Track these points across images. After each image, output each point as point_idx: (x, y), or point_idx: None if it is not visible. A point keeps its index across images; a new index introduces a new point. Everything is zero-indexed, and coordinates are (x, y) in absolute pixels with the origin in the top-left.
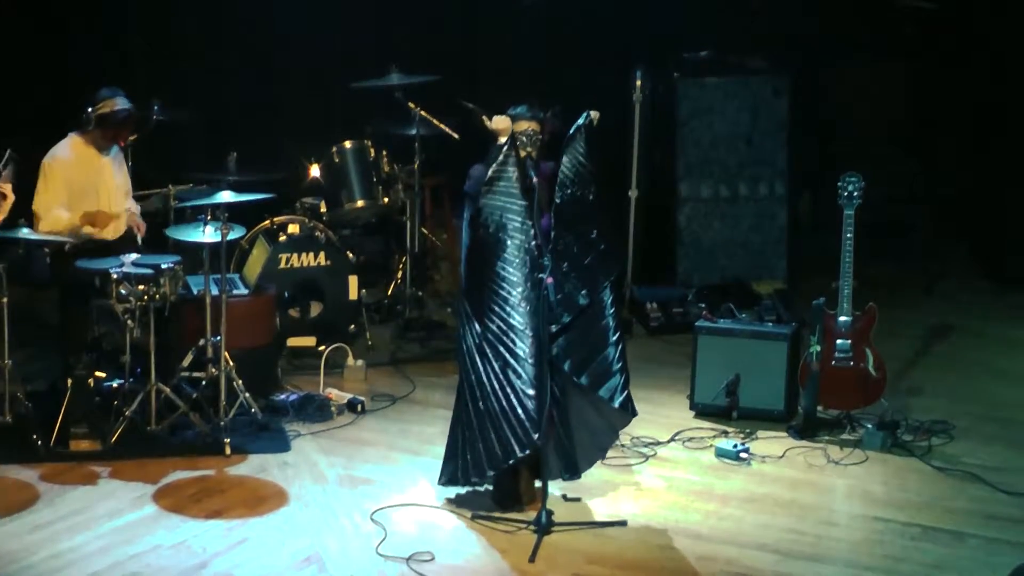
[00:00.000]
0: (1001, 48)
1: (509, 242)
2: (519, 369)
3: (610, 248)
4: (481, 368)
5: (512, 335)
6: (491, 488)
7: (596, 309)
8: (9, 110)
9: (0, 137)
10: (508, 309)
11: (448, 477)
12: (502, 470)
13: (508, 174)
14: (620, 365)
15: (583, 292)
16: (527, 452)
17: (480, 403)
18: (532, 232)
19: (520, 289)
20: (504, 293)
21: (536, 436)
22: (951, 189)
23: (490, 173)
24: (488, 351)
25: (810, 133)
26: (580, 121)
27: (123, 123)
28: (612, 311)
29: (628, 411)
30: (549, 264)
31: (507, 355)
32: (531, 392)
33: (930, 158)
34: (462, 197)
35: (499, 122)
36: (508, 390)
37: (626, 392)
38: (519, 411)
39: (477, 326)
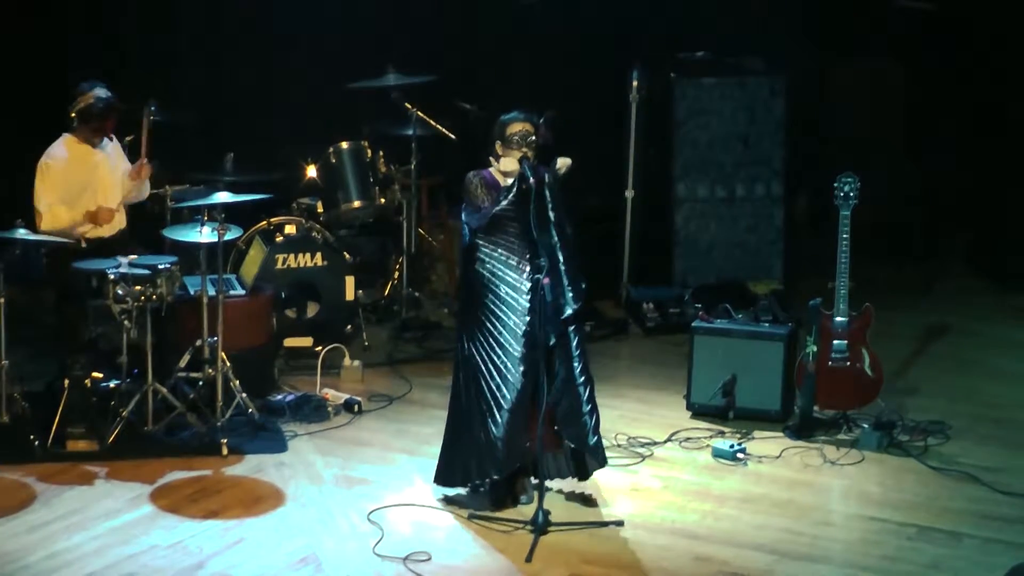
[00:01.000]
0: (1000, 48)
1: (503, 283)
2: (492, 405)
3: (571, 289)
4: (463, 387)
5: (491, 370)
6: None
7: (561, 350)
8: (9, 110)
9: None
10: (492, 343)
11: (435, 474)
12: (467, 487)
13: (510, 215)
14: (589, 408)
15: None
16: (485, 481)
17: (455, 419)
18: (528, 269)
19: (509, 328)
20: (491, 328)
21: (494, 471)
22: (949, 189)
23: (495, 211)
24: (469, 376)
25: (808, 133)
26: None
27: (104, 113)
28: (578, 352)
29: (597, 459)
30: (546, 264)
31: (486, 390)
32: (499, 434)
33: (928, 158)
34: (459, 204)
35: (507, 163)
36: (480, 418)
37: (596, 437)
38: (485, 441)
39: (464, 349)
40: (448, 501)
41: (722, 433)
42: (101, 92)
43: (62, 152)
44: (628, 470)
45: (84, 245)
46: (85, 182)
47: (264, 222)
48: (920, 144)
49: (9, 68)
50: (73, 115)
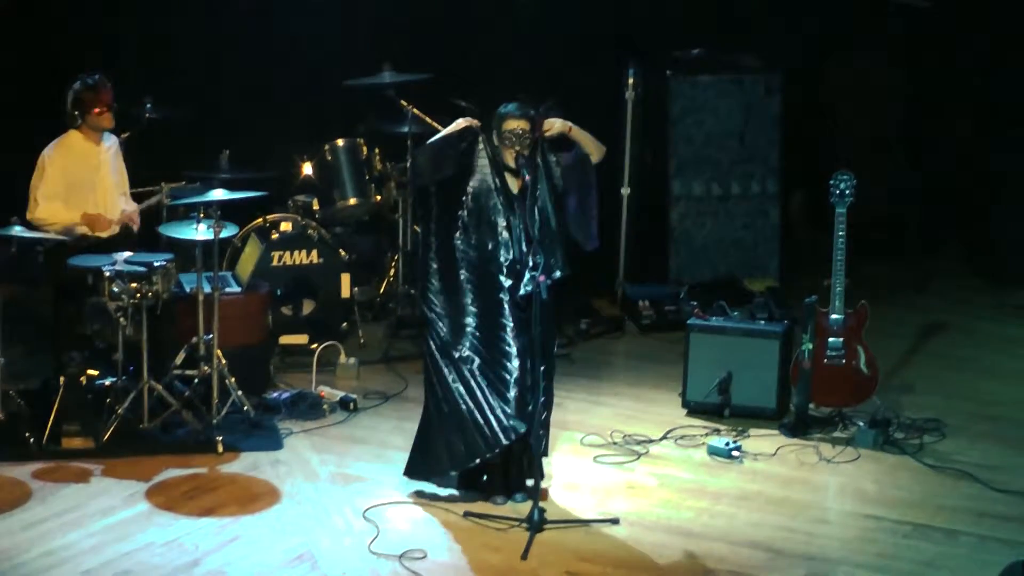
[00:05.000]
0: (998, 46)
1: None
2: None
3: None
4: (444, 371)
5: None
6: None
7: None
8: (6, 109)
9: None
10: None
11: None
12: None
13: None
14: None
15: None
16: (494, 453)
17: (443, 404)
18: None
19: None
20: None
21: (486, 451)
22: (946, 187)
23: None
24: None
25: (806, 132)
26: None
27: (95, 86)
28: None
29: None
30: (541, 262)
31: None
32: (493, 414)
33: (926, 156)
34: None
35: (504, 158)
36: (468, 401)
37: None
38: (475, 422)
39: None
40: (444, 499)
41: (718, 431)
42: (81, 77)
43: (66, 147)
44: (624, 468)
45: (73, 243)
46: (85, 179)
47: (260, 219)
48: (918, 142)
49: (7, 66)
50: (74, 112)
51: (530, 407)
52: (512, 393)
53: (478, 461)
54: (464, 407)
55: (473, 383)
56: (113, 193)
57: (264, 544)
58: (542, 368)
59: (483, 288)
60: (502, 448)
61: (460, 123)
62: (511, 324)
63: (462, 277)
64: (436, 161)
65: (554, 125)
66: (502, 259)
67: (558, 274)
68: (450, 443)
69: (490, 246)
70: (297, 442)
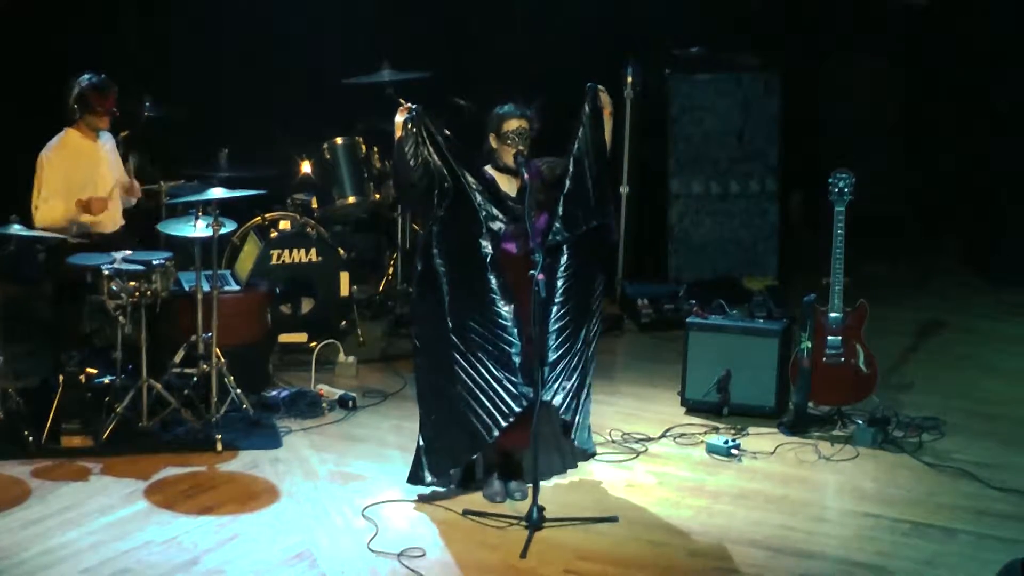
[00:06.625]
0: (998, 46)
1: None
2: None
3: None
4: (445, 357)
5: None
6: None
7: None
8: (7, 107)
9: None
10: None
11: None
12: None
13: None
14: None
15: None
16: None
17: (454, 390)
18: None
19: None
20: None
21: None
22: (945, 186)
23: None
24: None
25: (806, 131)
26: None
27: (101, 87)
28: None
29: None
30: (540, 260)
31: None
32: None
33: (924, 155)
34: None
35: (504, 158)
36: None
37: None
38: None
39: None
40: (442, 497)
41: (716, 429)
42: (90, 75)
43: (63, 145)
44: (622, 466)
45: (76, 241)
46: (86, 177)
47: (259, 218)
48: (917, 141)
49: (6, 64)
50: (75, 106)
51: (539, 380)
52: (517, 360)
53: (497, 433)
54: (473, 384)
55: (475, 360)
56: (115, 190)
57: (263, 542)
58: (562, 338)
59: (464, 264)
60: (516, 416)
61: (398, 122)
62: (499, 294)
63: (438, 261)
64: (405, 171)
65: (604, 95)
66: (478, 229)
67: (593, 223)
68: (466, 427)
69: (461, 219)
70: (296, 440)
